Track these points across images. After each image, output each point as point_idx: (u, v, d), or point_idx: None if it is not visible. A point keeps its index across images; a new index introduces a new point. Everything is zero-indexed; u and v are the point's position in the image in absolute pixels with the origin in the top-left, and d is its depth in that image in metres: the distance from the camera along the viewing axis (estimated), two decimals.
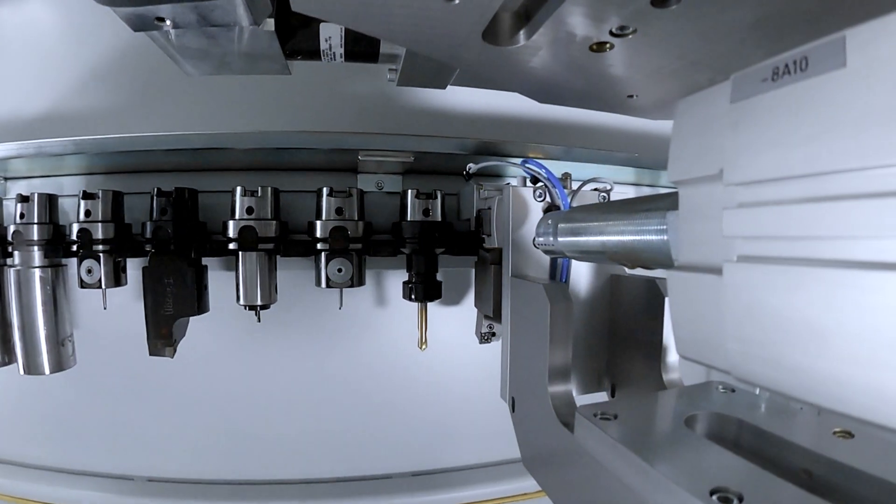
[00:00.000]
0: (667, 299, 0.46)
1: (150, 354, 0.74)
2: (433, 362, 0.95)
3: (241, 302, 0.74)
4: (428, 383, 0.98)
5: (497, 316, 0.62)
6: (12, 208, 0.76)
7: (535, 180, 0.57)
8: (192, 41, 0.49)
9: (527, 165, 0.57)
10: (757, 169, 0.25)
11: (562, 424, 0.43)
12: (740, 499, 0.26)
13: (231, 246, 0.72)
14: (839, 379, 0.21)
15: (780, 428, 0.34)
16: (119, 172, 0.83)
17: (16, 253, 0.74)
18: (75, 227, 0.73)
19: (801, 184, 0.22)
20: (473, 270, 0.77)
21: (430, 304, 0.80)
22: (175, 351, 0.75)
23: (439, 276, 0.78)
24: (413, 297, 0.76)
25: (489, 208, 0.64)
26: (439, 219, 0.75)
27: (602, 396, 0.58)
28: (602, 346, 0.57)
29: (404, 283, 0.78)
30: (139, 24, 0.44)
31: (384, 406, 0.98)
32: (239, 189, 0.72)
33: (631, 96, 0.38)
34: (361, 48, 0.54)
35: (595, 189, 0.59)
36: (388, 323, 0.95)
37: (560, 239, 0.50)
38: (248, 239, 0.72)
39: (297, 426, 0.96)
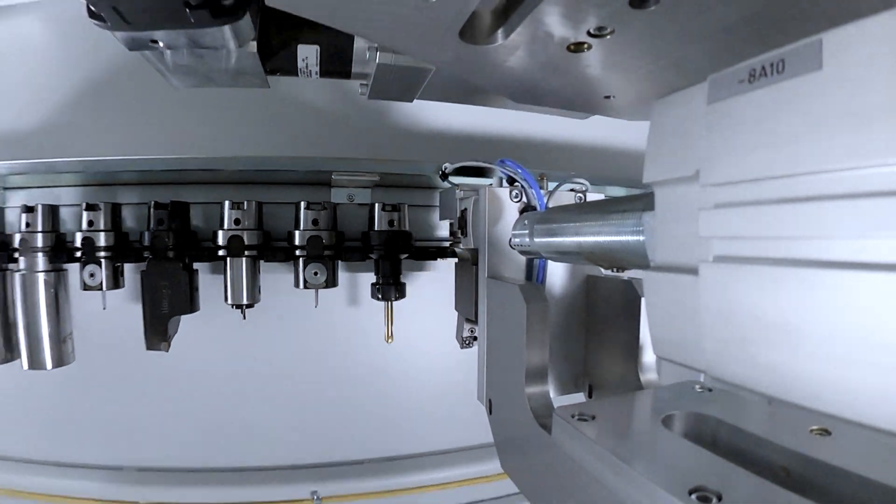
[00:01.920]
0: (643, 299, 0.47)
1: (148, 349, 0.81)
2: (401, 355, 1.04)
3: (229, 301, 0.83)
4: (397, 374, 1.08)
5: (478, 318, 0.61)
6: (12, 216, 0.85)
7: (511, 180, 0.57)
8: (182, 59, 0.53)
9: (503, 165, 0.57)
10: (733, 170, 0.25)
11: (539, 426, 0.43)
12: (719, 497, 0.26)
13: (220, 252, 0.81)
14: (814, 377, 0.21)
15: (757, 426, 0.34)
16: (113, 184, 0.89)
17: (21, 259, 0.81)
18: (79, 236, 0.81)
19: (777, 184, 0.23)
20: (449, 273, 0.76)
21: (395, 302, 0.89)
22: (169, 345, 0.82)
23: (403, 278, 0.88)
24: (380, 296, 0.86)
25: (465, 209, 0.63)
26: (406, 228, 0.86)
27: (579, 397, 0.58)
28: (579, 347, 0.57)
29: (372, 284, 0.88)
30: (134, 45, 0.48)
31: (357, 397, 1.07)
32: (227, 203, 0.82)
33: (608, 97, 0.38)
34: (335, 67, 0.58)
35: (571, 189, 0.59)
36: (359, 320, 1.03)
37: (536, 239, 0.50)
38: (235, 247, 0.81)
39: (277, 417, 1.04)
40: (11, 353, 0.85)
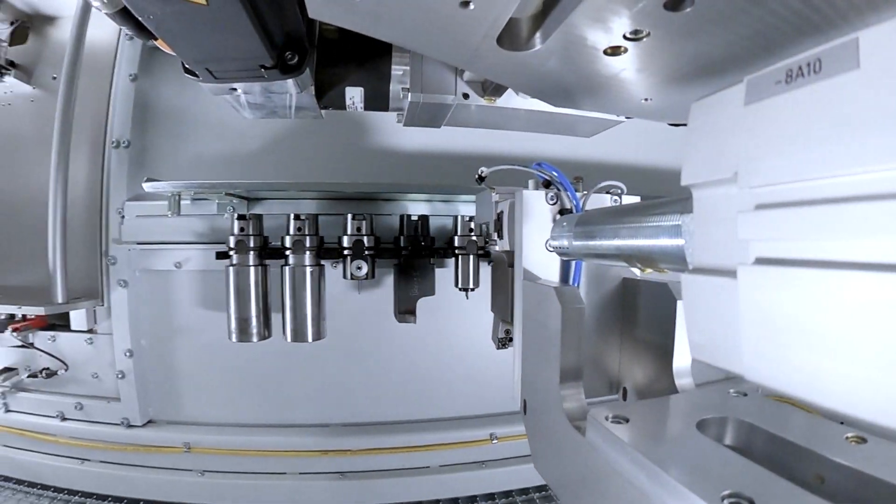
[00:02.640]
0: (679, 302, 0.46)
1: (399, 322, 1.15)
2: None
3: (460, 285, 1.16)
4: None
5: (513, 319, 0.62)
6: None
7: (547, 183, 0.57)
8: (254, 99, 0.66)
9: (540, 168, 0.58)
10: (772, 171, 0.24)
11: (573, 427, 0.43)
12: (752, 503, 0.25)
13: (457, 251, 1.15)
14: (855, 383, 0.21)
15: (792, 432, 0.33)
16: (340, 199, 1.26)
17: (290, 256, 1.06)
18: (345, 239, 1.10)
19: (817, 185, 0.22)
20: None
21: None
22: (416, 319, 1.15)
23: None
24: None
25: (501, 211, 0.64)
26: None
27: (614, 399, 0.57)
28: (614, 350, 0.57)
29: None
30: (218, 91, 0.60)
31: None
32: (460, 217, 1.16)
33: (646, 99, 0.38)
34: (376, 103, 0.74)
35: (608, 192, 0.59)
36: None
37: (575, 242, 0.50)
38: (471, 249, 1.15)
39: (463, 377, 1.35)
40: (270, 331, 1.09)
